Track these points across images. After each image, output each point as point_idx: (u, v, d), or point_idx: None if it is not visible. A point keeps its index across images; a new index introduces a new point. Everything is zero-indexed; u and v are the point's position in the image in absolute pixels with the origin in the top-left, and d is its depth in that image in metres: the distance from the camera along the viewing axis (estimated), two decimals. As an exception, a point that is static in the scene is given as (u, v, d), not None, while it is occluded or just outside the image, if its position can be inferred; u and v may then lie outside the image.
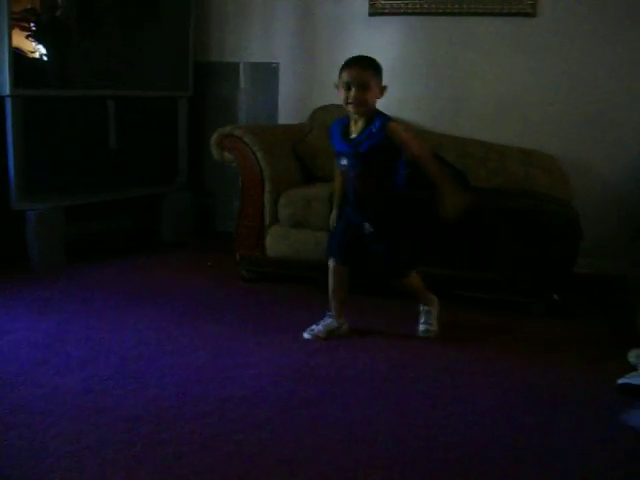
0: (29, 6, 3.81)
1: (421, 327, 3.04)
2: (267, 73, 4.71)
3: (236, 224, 3.88)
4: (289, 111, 4.67)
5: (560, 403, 2.45)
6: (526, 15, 4.06)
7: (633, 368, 2.61)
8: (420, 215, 3.31)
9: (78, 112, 4.03)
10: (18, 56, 3.70)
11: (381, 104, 4.40)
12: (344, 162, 2.84)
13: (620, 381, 2.54)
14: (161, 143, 4.60)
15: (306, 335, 2.95)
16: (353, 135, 2.80)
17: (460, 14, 4.19)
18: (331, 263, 2.99)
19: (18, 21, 3.71)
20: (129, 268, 3.99)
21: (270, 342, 2.91)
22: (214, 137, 3.83)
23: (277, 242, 3.74)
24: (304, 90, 4.63)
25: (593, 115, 4.01)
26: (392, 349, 2.88)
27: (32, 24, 3.80)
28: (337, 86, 2.83)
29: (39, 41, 3.85)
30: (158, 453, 1.99)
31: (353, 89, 2.74)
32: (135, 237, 4.60)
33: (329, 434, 2.15)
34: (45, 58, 3.92)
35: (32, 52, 3.84)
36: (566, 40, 4.01)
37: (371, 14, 4.40)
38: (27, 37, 3.80)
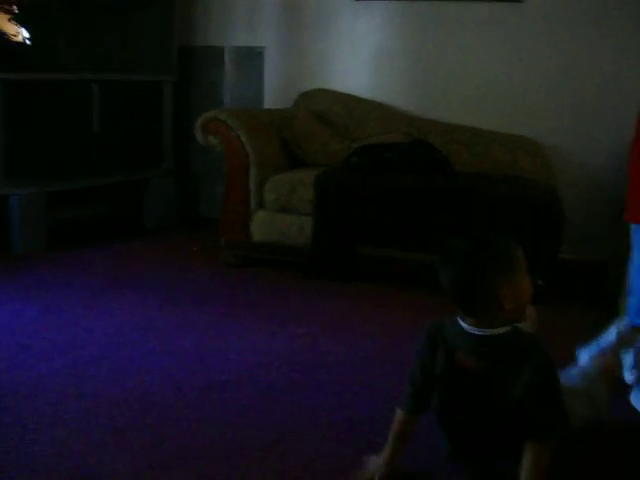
0: (12, -11, 3.78)
1: None
2: (252, 57, 4.69)
3: (221, 209, 3.87)
4: (274, 96, 4.65)
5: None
6: (513, 1, 4.05)
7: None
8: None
9: (62, 96, 4.00)
10: (1, 39, 3.66)
11: (368, 90, 4.42)
12: None
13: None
14: (145, 128, 4.56)
15: None
16: None
17: (447, -1, 4.19)
18: None
19: (0, 4, 3.67)
20: (113, 254, 3.98)
21: (254, 327, 2.91)
22: (199, 121, 3.81)
23: (262, 227, 3.74)
24: (289, 75, 4.61)
25: (577, 102, 4.02)
26: (375, 336, 2.89)
27: (15, 7, 3.76)
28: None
29: (22, 24, 3.81)
30: (142, 438, 1.99)
31: None
32: (119, 222, 4.57)
33: (312, 419, 2.16)
34: (28, 42, 3.88)
35: (15, 35, 3.80)
36: (552, 26, 4.01)
37: (357, -2, 4.38)
38: (10, 20, 3.76)
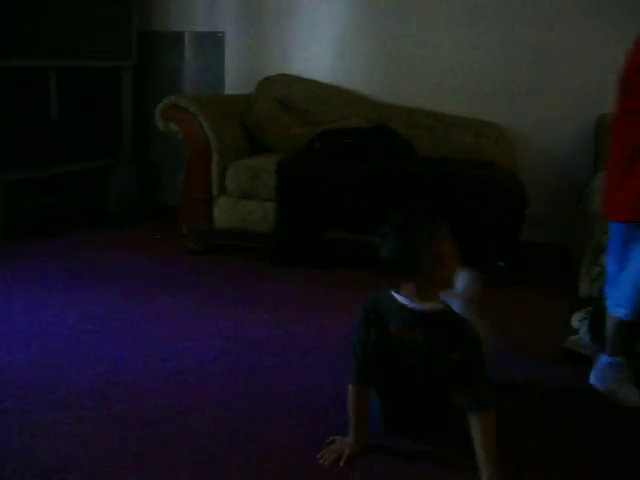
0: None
1: None
2: (212, 43, 4.65)
3: (183, 196, 3.85)
4: (235, 81, 4.62)
5: (507, 366, 2.51)
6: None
7: (576, 332, 2.69)
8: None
9: (18, 83, 3.93)
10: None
11: (330, 75, 4.41)
12: None
13: (566, 345, 2.63)
14: (104, 115, 4.51)
15: None
16: None
17: (409, -17, 4.20)
18: None
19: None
20: (75, 244, 3.92)
21: (219, 314, 2.90)
22: (159, 108, 3.77)
23: (225, 213, 3.73)
24: (250, 60, 4.58)
25: (539, 87, 4.05)
26: (347, 319, 2.89)
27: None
28: None
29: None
30: (109, 428, 1.99)
31: None
32: (80, 212, 4.52)
33: (281, 405, 2.17)
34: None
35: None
36: (514, 11, 4.04)
37: (319, -18, 4.37)
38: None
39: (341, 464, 1.86)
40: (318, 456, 1.90)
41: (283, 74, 4.38)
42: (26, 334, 2.62)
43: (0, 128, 3.87)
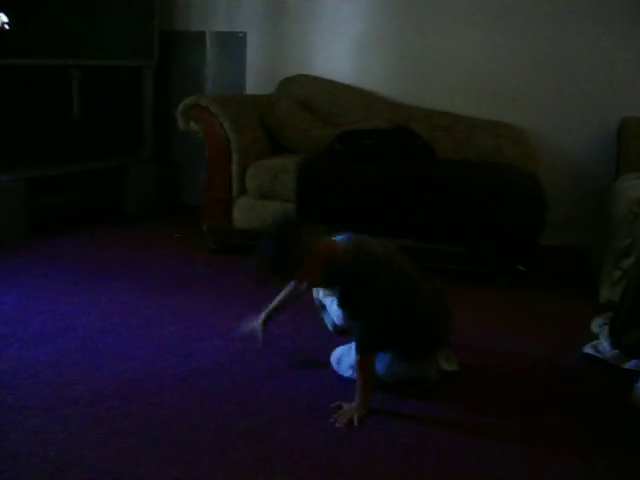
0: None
1: None
2: (234, 42, 4.66)
3: (203, 195, 3.85)
4: (256, 81, 4.62)
5: (527, 371, 2.49)
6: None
7: (597, 337, 2.66)
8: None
9: (41, 82, 3.96)
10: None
11: (350, 76, 4.40)
12: None
13: (585, 350, 2.60)
14: (126, 114, 4.53)
15: None
16: None
17: (430, -15, 4.18)
18: None
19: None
20: (94, 241, 3.95)
21: (236, 314, 2.89)
22: (180, 107, 3.79)
23: (244, 213, 3.73)
24: (271, 60, 4.58)
25: (560, 88, 4.02)
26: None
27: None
28: None
29: (1, 9, 3.76)
30: (125, 426, 1.99)
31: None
32: (100, 210, 4.54)
33: (294, 404, 2.17)
34: (8, 27, 3.82)
35: (-6, 20, 3.75)
36: (535, 14, 4.00)
37: (340, -17, 4.36)
38: (-12, 5, 3.71)
39: (355, 424, 2.04)
40: (331, 420, 2.06)
41: (304, 75, 4.38)
42: (44, 332, 2.63)
43: (23, 126, 3.90)
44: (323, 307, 2.62)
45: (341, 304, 2.20)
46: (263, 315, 2.53)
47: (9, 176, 3.81)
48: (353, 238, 2.21)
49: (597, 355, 2.57)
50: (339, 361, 2.37)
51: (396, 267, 2.21)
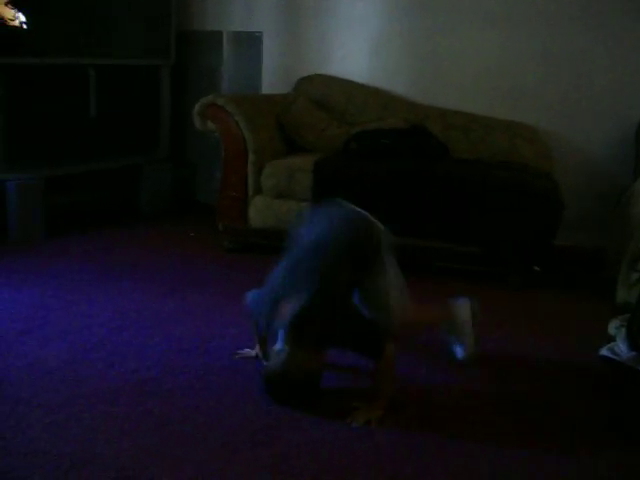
0: (9, -28, 3.75)
1: None
2: (250, 42, 4.66)
3: (219, 194, 3.86)
4: (273, 81, 4.63)
5: (542, 373, 2.48)
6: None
7: (613, 339, 2.64)
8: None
9: (59, 81, 3.98)
10: (-2, 24, 3.64)
11: (366, 75, 4.40)
12: None
13: (602, 353, 2.58)
14: (142, 113, 4.55)
15: None
16: None
17: (445, -15, 4.17)
18: None
19: (-4, -12, 3.65)
20: (110, 240, 3.97)
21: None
22: (197, 106, 3.80)
23: (260, 213, 3.74)
24: (288, 60, 4.58)
25: (576, 87, 4.00)
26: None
27: (11, -9, 3.74)
28: None
29: (19, 9, 3.78)
30: (140, 424, 2.00)
31: None
32: (115, 208, 4.56)
33: (309, 405, 2.15)
34: (25, 26, 3.85)
35: (12, 20, 3.77)
36: (550, 12, 3.99)
37: (356, -17, 4.35)
38: (6, 4, 3.72)
39: (373, 425, 2.03)
40: (347, 420, 2.05)
41: (320, 74, 4.38)
42: (60, 329, 2.65)
43: (42, 125, 3.92)
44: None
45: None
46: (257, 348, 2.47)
47: (28, 175, 3.83)
48: None
49: (614, 357, 2.55)
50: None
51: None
